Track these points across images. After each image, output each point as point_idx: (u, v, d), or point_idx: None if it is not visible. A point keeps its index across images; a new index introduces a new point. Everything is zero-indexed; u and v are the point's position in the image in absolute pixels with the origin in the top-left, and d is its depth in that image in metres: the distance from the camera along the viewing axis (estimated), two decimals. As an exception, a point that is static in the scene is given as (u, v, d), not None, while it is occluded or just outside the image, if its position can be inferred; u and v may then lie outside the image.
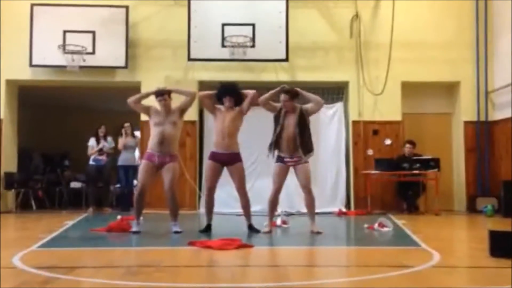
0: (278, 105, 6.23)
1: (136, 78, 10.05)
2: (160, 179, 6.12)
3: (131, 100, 6.18)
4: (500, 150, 10.02)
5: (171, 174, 5.97)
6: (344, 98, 10.48)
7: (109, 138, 10.15)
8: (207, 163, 6.30)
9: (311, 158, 6.20)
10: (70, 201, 11.38)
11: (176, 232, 5.92)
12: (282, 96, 6.15)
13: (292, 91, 6.18)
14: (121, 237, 5.76)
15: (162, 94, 6.11)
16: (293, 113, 6.11)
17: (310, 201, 6.10)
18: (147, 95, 6.44)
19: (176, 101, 6.34)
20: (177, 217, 6.08)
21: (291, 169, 6.18)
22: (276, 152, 6.19)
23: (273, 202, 6.19)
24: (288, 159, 6.08)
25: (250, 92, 6.30)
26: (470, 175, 10.27)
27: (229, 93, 6.21)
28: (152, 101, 6.46)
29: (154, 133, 6.04)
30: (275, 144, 6.15)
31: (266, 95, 6.25)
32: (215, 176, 6.17)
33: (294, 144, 6.04)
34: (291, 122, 6.07)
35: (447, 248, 4.97)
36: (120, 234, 5.97)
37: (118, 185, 10.59)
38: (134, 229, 6.01)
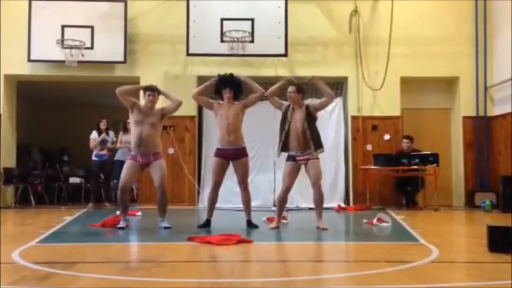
0: (285, 103, 6.18)
1: (135, 73, 10.04)
2: (149, 177, 6.11)
3: (120, 90, 6.02)
4: (499, 146, 10.03)
5: (159, 171, 5.94)
6: (343, 93, 10.48)
7: (111, 133, 10.19)
8: (213, 159, 6.25)
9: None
10: (69, 197, 11.38)
11: (166, 228, 5.91)
12: (289, 88, 6.08)
13: (298, 85, 6.14)
14: (119, 233, 5.76)
15: (153, 90, 6.08)
16: (300, 109, 6.06)
17: (319, 198, 6.03)
18: (137, 89, 6.32)
19: (161, 103, 6.31)
20: (165, 214, 6.06)
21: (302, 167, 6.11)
22: (285, 152, 6.09)
23: (282, 201, 6.13)
24: (299, 157, 5.97)
25: (260, 90, 6.20)
26: (469, 170, 10.29)
27: (228, 85, 6.19)
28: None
29: (133, 133, 6.03)
30: (284, 143, 6.05)
31: (273, 87, 6.18)
32: (222, 172, 6.15)
33: (304, 140, 5.95)
34: (298, 117, 5.99)
35: (446, 243, 4.97)
36: (116, 229, 5.93)
37: (115, 181, 10.60)
38: (120, 225, 5.96)
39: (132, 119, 6.05)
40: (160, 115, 6.07)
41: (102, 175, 10.43)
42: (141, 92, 6.44)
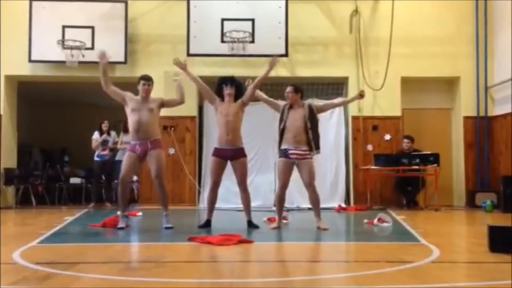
0: (281, 103, 6.19)
1: (136, 74, 9.97)
2: (150, 177, 6.10)
3: (102, 85, 5.98)
4: (499, 146, 10.03)
5: (156, 162, 5.91)
6: (344, 94, 10.47)
7: (113, 133, 10.24)
8: (211, 159, 6.26)
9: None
10: (69, 197, 11.39)
11: (167, 228, 5.90)
12: (287, 88, 6.12)
13: (296, 85, 6.15)
14: (120, 233, 5.76)
15: (148, 79, 6.09)
16: (299, 108, 6.05)
17: (314, 199, 6.03)
18: (103, 68, 5.93)
19: (155, 93, 6.31)
20: (167, 207, 6.05)
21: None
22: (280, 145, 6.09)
23: (280, 198, 6.12)
24: (292, 151, 5.95)
25: (255, 82, 6.24)
26: (469, 170, 10.29)
27: (229, 82, 6.19)
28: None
29: (130, 121, 5.99)
30: (280, 138, 6.06)
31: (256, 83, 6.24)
32: (220, 172, 6.16)
33: (302, 137, 5.94)
34: (297, 116, 6.00)
35: (447, 244, 4.97)
36: (116, 229, 5.93)
37: (116, 181, 10.61)
38: (120, 225, 5.95)
39: (128, 109, 6.01)
40: (158, 103, 6.08)
41: (103, 176, 10.44)
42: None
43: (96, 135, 10.12)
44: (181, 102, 6.23)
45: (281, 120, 6.10)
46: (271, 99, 6.31)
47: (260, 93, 6.31)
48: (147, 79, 6.08)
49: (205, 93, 6.47)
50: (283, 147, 6.03)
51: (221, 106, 6.20)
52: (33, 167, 12.66)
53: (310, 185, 5.99)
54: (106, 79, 6.00)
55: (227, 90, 6.18)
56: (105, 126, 10.16)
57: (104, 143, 10.09)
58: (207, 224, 6.12)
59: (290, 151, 5.98)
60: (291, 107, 6.08)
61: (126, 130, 9.92)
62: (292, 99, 6.08)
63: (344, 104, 6.27)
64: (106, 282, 3.10)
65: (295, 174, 6.17)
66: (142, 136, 5.91)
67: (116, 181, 10.51)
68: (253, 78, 6.35)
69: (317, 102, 6.31)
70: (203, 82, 6.41)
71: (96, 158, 10.13)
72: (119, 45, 9.94)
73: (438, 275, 3.35)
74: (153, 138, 5.97)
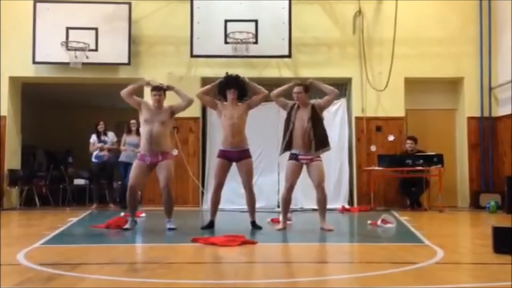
0: (290, 102, 6.18)
1: (139, 75, 10.04)
2: (153, 178, 6.12)
3: (124, 92, 6.11)
4: (503, 146, 10.00)
5: (165, 172, 5.94)
6: (347, 94, 10.47)
7: (110, 133, 10.22)
8: (216, 160, 6.27)
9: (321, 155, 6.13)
10: (73, 198, 11.42)
11: (171, 229, 5.92)
12: (296, 89, 6.04)
13: (305, 84, 6.12)
14: (124, 234, 5.77)
15: (159, 89, 6.09)
16: (305, 108, 6.02)
17: (322, 199, 6.01)
18: (138, 87, 6.34)
19: (169, 101, 6.31)
20: (172, 215, 6.08)
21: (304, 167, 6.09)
22: (288, 151, 6.07)
23: (286, 200, 6.11)
24: (302, 156, 5.95)
25: (263, 91, 6.23)
26: (473, 171, 10.26)
27: (233, 86, 6.19)
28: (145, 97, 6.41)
29: (142, 132, 6.06)
30: (288, 142, 6.03)
31: (279, 88, 6.22)
32: (224, 173, 6.16)
33: (308, 140, 5.93)
34: (303, 117, 5.96)
35: (451, 245, 4.96)
36: (120, 230, 5.95)
37: (119, 182, 10.63)
38: (126, 226, 6.00)
39: (141, 118, 6.08)
40: (169, 112, 6.09)
41: (104, 176, 10.43)
42: (148, 92, 6.45)
43: (93, 138, 10.11)
44: (188, 103, 6.20)
45: (288, 119, 6.06)
46: (282, 98, 6.25)
47: (281, 99, 6.25)
48: (157, 89, 6.08)
49: (208, 104, 6.49)
50: (293, 151, 6.01)
51: (225, 109, 6.19)
52: (37, 168, 12.68)
53: (319, 186, 5.98)
54: (133, 92, 6.16)
55: (231, 95, 6.18)
56: (100, 127, 10.14)
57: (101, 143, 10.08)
58: (211, 225, 6.12)
59: (300, 156, 5.97)
60: (298, 107, 6.06)
61: (129, 131, 9.95)
62: (301, 99, 6.04)
63: (330, 92, 6.17)
64: (110, 283, 3.11)
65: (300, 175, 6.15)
66: (153, 148, 5.94)
67: (119, 182, 10.56)
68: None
69: (319, 101, 6.23)
70: (205, 87, 6.41)
71: (93, 160, 10.10)
72: (122, 46, 9.96)
73: (442, 276, 3.35)
74: (164, 150, 6.01)
